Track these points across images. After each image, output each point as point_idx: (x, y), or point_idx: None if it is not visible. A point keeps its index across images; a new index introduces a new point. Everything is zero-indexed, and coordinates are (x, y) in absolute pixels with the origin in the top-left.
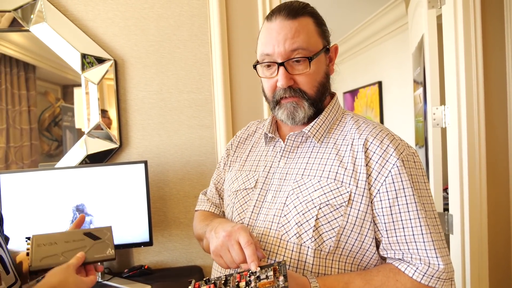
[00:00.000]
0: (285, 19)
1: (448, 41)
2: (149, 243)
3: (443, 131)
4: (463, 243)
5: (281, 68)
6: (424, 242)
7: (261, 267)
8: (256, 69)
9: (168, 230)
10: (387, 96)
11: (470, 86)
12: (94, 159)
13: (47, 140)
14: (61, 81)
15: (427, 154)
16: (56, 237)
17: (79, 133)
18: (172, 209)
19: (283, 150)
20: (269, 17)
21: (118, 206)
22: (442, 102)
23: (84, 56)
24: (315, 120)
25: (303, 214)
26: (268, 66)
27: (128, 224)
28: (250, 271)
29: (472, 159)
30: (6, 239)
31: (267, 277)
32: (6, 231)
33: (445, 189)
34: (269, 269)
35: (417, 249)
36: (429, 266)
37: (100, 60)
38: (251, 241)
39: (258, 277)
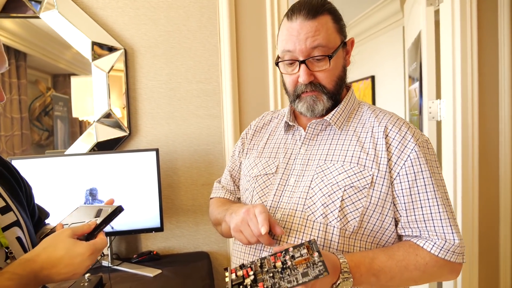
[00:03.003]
0: (305, 20)
1: (445, 37)
2: (160, 229)
3: (438, 124)
4: None
5: (303, 66)
6: (441, 219)
7: (293, 247)
8: (278, 66)
9: (176, 217)
10: (379, 90)
11: (465, 80)
12: (103, 147)
13: (37, 130)
14: (52, 70)
15: None
16: (84, 210)
17: (72, 123)
18: (180, 197)
19: (304, 138)
20: (289, 16)
21: (130, 192)
22: (438, 96)
23: (94, 44)
24: (335, 109)
25: (329, 196)
26: (290, 63)
27: (140, 211)
28: (284, 251)
29: (466, 151)
30: (42, 215)
31: (301, 255)
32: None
33: None
34: (302, 247)
35: (434, 226)
36: (445, 241)
37: (111, 49)
38: (263, 211)
39: (293, 256)
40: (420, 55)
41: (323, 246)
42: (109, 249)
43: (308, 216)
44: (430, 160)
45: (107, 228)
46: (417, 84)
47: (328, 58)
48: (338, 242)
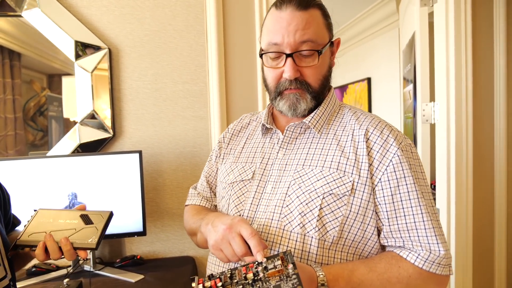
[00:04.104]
0: (296, 9)
1: (439, 38)
2: (142, 233)
3: (432, 127)
4: (449, 236)
5: (289, 60)
6: (425, 229)
7: (267, 258)
8: (261, 58)
9: (161, 221)
10: (375, 92)
11: (459, 83)
12: (87, 148)
13: (32, 130)
14: (47, 70)
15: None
16: (56, 214)
17: (66, 123)
18: (165, 200)
19: (282, 141)
20: (278, 5)
21: (112, 195)
22: (432, 98)
23: (77, 44)
24: (314, 111)
25: (306, 204)
26: (275, 56)
27: (122, 214)
28: (256, 262)
29: (460, 154)
30: (15, 223)
31: (275, 267)
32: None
33: (432, 184)
34: (276, 258)
35: (418, 236)
36: (430, 252)
37: (95, 48)
38: (255, 232)
39: (266, 267)
40: (414, 56)
41: (301, 258)
42: (91, 253)
43: (284, 226)
44: (414, 165)
45: None
46: (411, 86)
47: (318, 53)
48: (316, 254)
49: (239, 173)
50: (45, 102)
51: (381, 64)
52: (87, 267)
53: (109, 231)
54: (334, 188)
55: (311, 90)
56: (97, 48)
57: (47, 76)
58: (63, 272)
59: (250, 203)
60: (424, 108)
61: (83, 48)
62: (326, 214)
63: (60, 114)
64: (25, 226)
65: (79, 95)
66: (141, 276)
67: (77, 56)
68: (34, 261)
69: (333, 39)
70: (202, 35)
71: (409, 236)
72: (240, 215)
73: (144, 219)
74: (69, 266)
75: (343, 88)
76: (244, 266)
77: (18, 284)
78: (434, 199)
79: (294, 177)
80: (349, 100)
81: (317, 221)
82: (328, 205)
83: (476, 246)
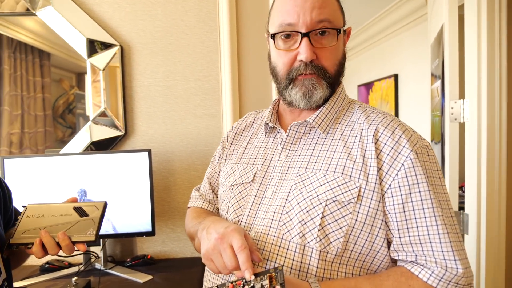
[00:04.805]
0: None
1: (470, 31)
2: (151, 233)
3: (461, 126)
4: (479, 244)
5: (305, 40)
6: (440, 243)
7: (256, 275)
8: (271, 40)
9: (172, 220)
10: (403, 89)
11: (492, 79)
12: (99, 146)
13: (61, 127)
14: (75, 68)
15: (443, 150)
16: (46, 209)
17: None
18: (176, 199)
19: (285, 142)
20: None
21: (121, 194)
22: (461, 96)
23: (90, 41)
24: (320, 109)
25: (307, 211)
26: (287, 37)
27: (131, 213)
28: (244, 280)
29: (492, 156)
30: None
31: (262, 286)
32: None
33: (461, 187)
34: (265, 276)
35: (432, 250)
36: (446, 270)
37: (106, 46)
38: (245, 245)
39: (253, 286)
40: (443, 51)
41: (299, 271)
42: (102, 251)
43: (283, 235)
44: (430, 169)
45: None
46: (439, 82)
47: (337, 32)
48: (317, 267)
49: (240, 175)
50: (73, 100)
51: (409, 60)
52: (97, 265)
53: (118, 230)
54: (339, 195)
55: (328, 75)
56: (109, 46)
57: (76, 74)
58: (74, 269)
59: (249, 208)
60: (453, 105)
61: (95, 46)
62: (329, 223)
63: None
64: (16, 224)
65: (91, 93)
66: (150, 277)
67: (90, 54)
68: (48, 258)
69: (345, 28)
70: (214, 31)
71: (422, 250)
72: (238, 221)
73: (153, 219)
74: (81, 264)
75: (368, 86)
76: (231, 283)
77: (31, 280)
78: (462, 202)
79: (296, 181)
80: (375, 98)
81: (319, 230)
82: (332, 213)
83: (509, 255)
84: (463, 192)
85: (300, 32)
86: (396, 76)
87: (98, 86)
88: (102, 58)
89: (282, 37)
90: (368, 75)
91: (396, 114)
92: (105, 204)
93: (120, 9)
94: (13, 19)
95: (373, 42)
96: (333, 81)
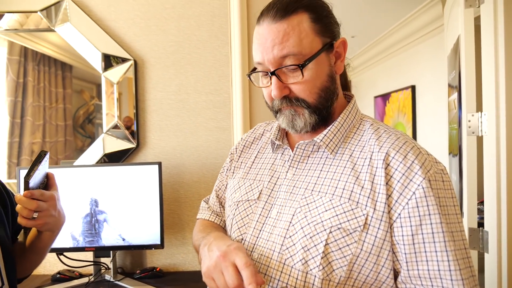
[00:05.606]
0: (272, 22)
1: (487, 42)
2: (160, 246)
3: (479, 139)
4: (500, 263)
5: (273, 78)
6: (452, 280)
7: None
8: (249, 78)
9: (182, 233)
10: (420, 101)
11: (511, 91)
12: (112, 158)
13: (80, 137)
14: (95, 80)
15: (461, 164)
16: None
17: None
18: (186, 212)
19: (292, 160)
20: (258, 20)
21: (131, 206)
22: (479, 108)
23: (105, 56)
24: (328, 128)
25: (310, 237)
26: (265, 74)
27: (141, 225)
28: None
29: None
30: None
31: None
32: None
33: (480, 202)
34: None
35: (442, 287)
36: None
37: (121, 60)
38: (250, 263)
39: None
40: (459, 62)
41: None
42: (112, 263)
43: (285, 260)
44: (444, 197)
45: (114, 242)
46: (456, 94)
47: (300, 68)
48: None
49: (246, 191)
50: (93, 110)
51: (426, 71)
52: (107, 276)
53: (127, 242)
54: (344, 222)
55: (307, 105)
56: (123, 60)
57: (96, 85)
58: (85, 280)
59: (253, 227)
60: (470, 118)
61: (110, 60)
62: (332, 251)
63: None
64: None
65: (105, 105)
66: None
67: (105, 68)
68: (59, 267)
69: (335, 41)
70: (226, 45)
71: (432, 285)
72: (242, 239)
73: (162, 231)
74: (91, 274)
75: (385, 97)
76: None
77: None
78: (482, 218)
79: (301, 204)
80: (392, 109)
81: (322, 258)
82: (336, 240)
83: None
84: (483, 207)
85: (269, 72)
86: (413, 87)
87: (112, 99)
88: (116, 72)
89: (261, 74)
90: (385, 86)
91: (414, 125)
92: (41, 152)
93: (134, 25)
94: (38, 34)
95: (390, 53)
96: (317, 107)
